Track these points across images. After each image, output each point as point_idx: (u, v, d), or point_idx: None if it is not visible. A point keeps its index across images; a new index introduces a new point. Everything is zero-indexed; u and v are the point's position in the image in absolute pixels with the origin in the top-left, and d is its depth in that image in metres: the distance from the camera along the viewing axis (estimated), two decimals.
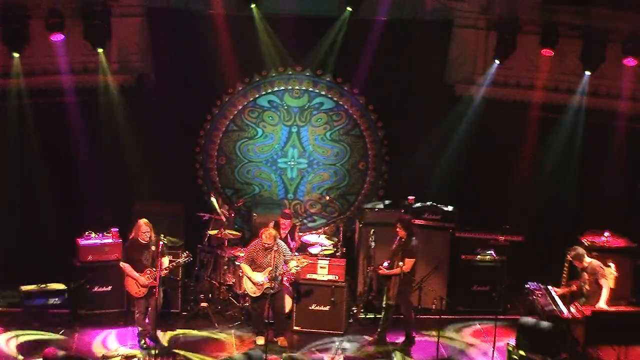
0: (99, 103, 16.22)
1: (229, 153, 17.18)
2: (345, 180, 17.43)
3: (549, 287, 14.45)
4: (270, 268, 14.56)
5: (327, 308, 15.32)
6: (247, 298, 15.23)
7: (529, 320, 14.13)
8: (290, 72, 16.96)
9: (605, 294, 13.94)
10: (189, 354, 14.46)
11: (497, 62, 16.47)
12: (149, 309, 14.42)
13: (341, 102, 17.14)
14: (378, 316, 15.32)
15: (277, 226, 15.51)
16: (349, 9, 16.30)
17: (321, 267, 15.33)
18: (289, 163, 17.29)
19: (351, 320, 15.66)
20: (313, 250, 15.83)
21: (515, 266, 15.75)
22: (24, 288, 15.12)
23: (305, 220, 17.40)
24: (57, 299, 15.13)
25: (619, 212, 16.39)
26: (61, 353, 12.10)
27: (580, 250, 14.37)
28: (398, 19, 16.60)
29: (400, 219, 14.84)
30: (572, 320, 13.93)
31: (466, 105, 16.86)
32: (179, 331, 15.15)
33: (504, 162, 16.81)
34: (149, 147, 16.40)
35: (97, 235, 15.59)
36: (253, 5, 16.17)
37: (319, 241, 16.14)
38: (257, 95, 17.03)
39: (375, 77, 16.73)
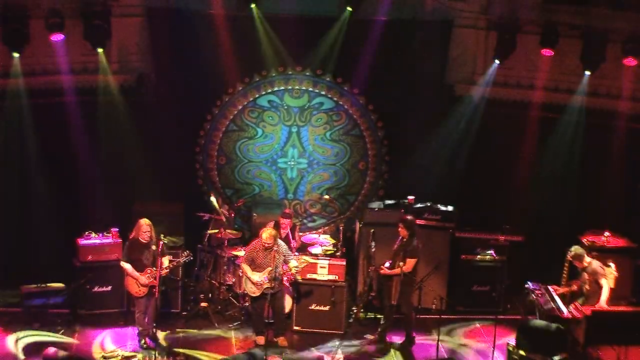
0: (99, 103, 16.22)
1: (229, 153, 17.18)
2: (345, 180, 17.43)
3: (549, 287, 14.45)
4: (270, 268, 14.56)
5: (327, 308, 15.32)
6: (247, 298, 15.24)
7: (538, 322, 14.10)
8: (290, 72, 16.96)
9: (605, 294, 13.95)
10: (188, 352, 14.46)
11: (497, 62, 16.47)
12: (149, 308, 14.43)
13: (341, 102, 17.14)
14: (378, 316, 15.33)
15: (277, 226, 15.52)
16: (349, 9, 16.30)
17: (321, 267, 15.34)
18: (289, 163, 17.29)
19: (351, 320, 15.66)
20: (313, 250, 15.84)
21: (515, 266, 15.76)
22: (24, 288, 15.13)
23: (305, 220, 17.40)
24: (57, 299, 15.15)
25: (619, 212, 16.39)
26: (61, 353, 12.10)
27: (580, 250, 14.37)
28: (398, 19, 16.60)
29: (403, 219, 14.83)
30: (572, 320, 13.93)
31: (466, 105, 16.86)
32: (179, 331, 15.15)
33: (504, 162, 16.81)
34: (149, 147, 16.40)
35: (97, 235, 15.59)
36: (253, 5, 16.17)
37: (320, 241, 16.16)
38: (257, 95, 17.03)
39: (375, 77, 16.73)
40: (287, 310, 15.23)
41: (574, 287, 14.36)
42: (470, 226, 16.43)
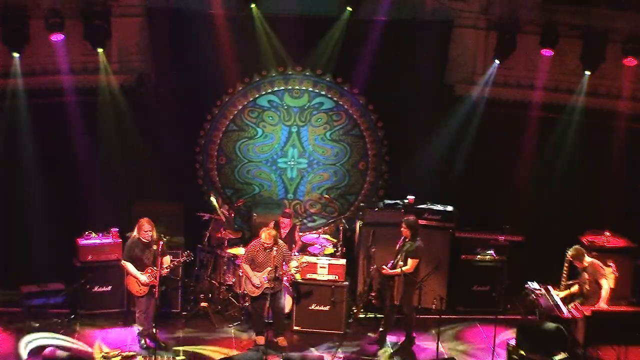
0: (99, 103, 16.21)
1: (229, 153, 17.18)
2: (345, 180, 17.43)
3: (549, 287, 14.45)
4: (270, 268, 14.56)
5: (327, 308, 15.33)
6: (247, 298, 15.24)
7: (538, 322, 14.09)
8: (290, 72, 16.95)
9: (605, 294, 13.96)
10: (189, 348, 14.46)
11: (497, 62, 16.46)
12: (149, 308, 14.43)
13: (341, 102, 17.14)
14: (379, 316, 15.33)
15: (277, 226, 15.52)
16: (349, 9, 16.29)
17: (321, 267, 15.34)
18: (289, 163, 17.29)
19: (351, 320, 15.66)
20: (314, 250, 15.85)
21: (515, 266, 15.77)
22: (24, 288, 15.13)
23: (305, 220, 17.40)
24: (57, 299, 15.15)
25: (619, 212, 16.39)
26: (61, 353, 12.10)
27: (580, 250, 14.37)
28: (398, 19, 16.59)
29: (406, 219, 14.82)
30: (572, 320, 13.93)
31: (466, 105, 16.85)
32: (179, 331, 15.16)
33: (504, 162, 16.80)
34: (149, 147, 16.39)
35: (97, 235, 15.61)
36: (253, 5, 16.16)
37: (320, 240, 16.16)
38: (257, 95, 17.03)
39: (375, 77, 16.72)
40: (287, 310, 15.24)
41: (574, 288, 14.36)
42: (470, 226, 16.44)
